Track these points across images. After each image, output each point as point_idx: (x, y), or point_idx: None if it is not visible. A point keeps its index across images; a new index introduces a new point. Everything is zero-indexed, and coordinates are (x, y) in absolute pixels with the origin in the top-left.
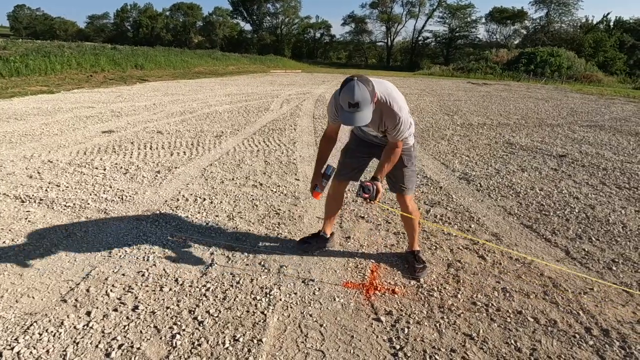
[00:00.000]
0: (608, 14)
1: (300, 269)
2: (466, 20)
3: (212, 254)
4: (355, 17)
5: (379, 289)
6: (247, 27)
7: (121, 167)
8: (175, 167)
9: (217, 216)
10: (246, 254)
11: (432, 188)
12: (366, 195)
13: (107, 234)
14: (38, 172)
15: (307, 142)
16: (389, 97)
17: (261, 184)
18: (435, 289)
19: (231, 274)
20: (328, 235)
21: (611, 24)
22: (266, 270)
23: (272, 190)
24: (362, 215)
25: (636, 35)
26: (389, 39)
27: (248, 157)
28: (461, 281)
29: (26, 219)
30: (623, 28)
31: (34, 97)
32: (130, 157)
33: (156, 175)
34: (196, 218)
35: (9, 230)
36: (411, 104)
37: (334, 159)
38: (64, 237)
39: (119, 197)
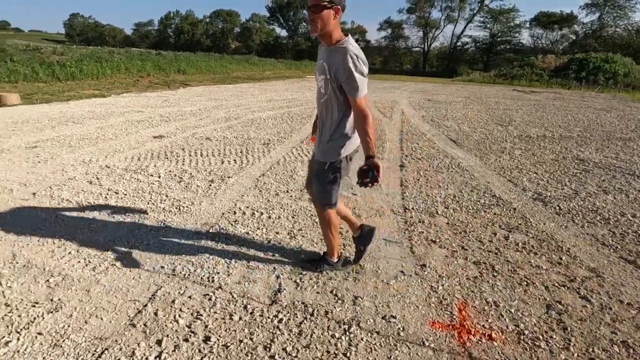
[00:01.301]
0: None
1: (378, 301)
2: (509, 24)
3: (277, 277)
4: (392, 23)
5: (472, 333)
6: (283, 32)
7: (175, 175)
8: (228, 177)
9: (277, 233)
10: (314, 279)
11: (504, 209)
12: (367, 180)
13: (168, 248)
14: (97, 178)
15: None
16: (356, 50)
17: (310, 199)
18: (540, 337)
19: (302, 303)
20: (357, 235)
21: None
22: (340, 302)
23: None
24: (434, 239)
25: None
26: (426, 44)
27: (299, 167)
28: (569, 329)
29: (88, 227)
30: None
31: (87, 100)
32: (183, 165)
33: (210, 185)
34: (256, 235)
35: (73, 239)
36: (458, 113)
37: None
38: (127, 250)
39: (176, 208)
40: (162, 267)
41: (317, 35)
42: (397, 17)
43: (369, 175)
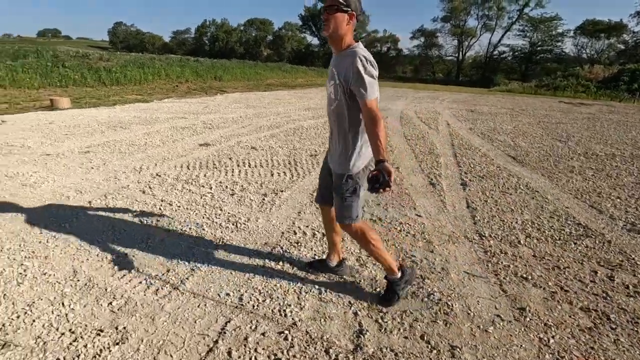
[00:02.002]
0: None
1: (480, 354)
2: (550, 33)
3: (355, 314)
4: (425, 31)
5: None
6: (314, 41)
7: (226, 187)
8: (281, 191)
9: (345, 259)
10: (398, 319)
11: (597, 242)
12: (377, 186)
13: (231, 272)
14: (149, 187)
15: (412, 168)
16: (365, 53)
17: (380, 219)
18: None
19: (391, 350)
20: (332, 263)
21: None
22: (435, 352)
23: (395, 229)
24: (524, 275)
25: None
26: (461, 52)
27: None
28: None
29: (146, 243)
30: None
31: (132, 105)
32: (232, 175)
33: (263, 199)
34: (314, 257)
35: (132, 255)
36: (508, 126)
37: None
38: (189, 272)
39: (232, 224)
40: (228, 294)
41: (327, 36)
42: (430, 26)
43: (379, 180)
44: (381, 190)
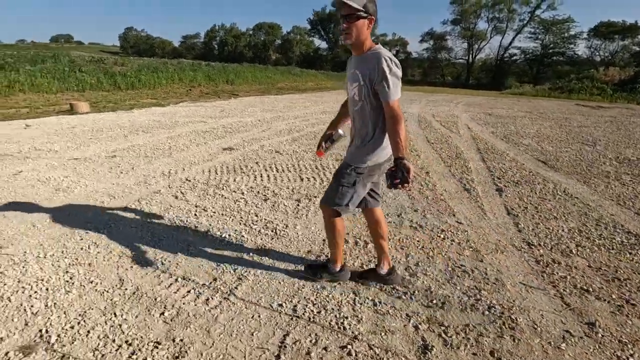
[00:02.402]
0: None
1: None
2: (563, 35)
3: (416, 327)
4: (434, 34)
5: None
6: (322, 44)
7: (258, 192)
8: (314, 196)
9: (394, 267)
10: (462, 333)
11: None
12: (397, 182)
13: (279, 281)
14: (181, 192)
15: (442, 173)
16: (389, 54)
17: (421, 226)
18: None
19: None
20: (384, 272)
21: None
22: None
23: (438, 236)
24: (585, 287)
25: None
26: (471, 55)
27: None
28: None
29: (188, 249)
30: None
31: (149, 109)
32: (262, 180)
33: (297, 205)
34: (363, 266)
35: (176, 263)
36: (530, 129)
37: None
38: (237, 281)
39: (271, 231)
40: (280, 305)
41: (350, 44)
42: (440, 29)
43: (398, 176)
44: (400, 186)
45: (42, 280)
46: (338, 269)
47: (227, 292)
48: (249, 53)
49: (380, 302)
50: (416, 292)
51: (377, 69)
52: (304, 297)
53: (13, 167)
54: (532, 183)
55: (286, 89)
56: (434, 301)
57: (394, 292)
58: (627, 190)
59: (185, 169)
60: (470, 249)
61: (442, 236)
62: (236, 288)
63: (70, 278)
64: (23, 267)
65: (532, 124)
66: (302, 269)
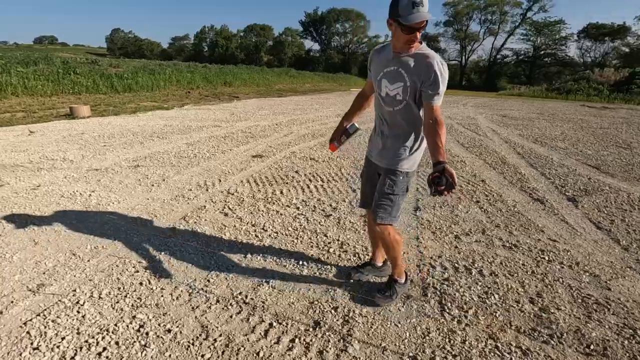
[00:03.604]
0: None
1: None
2: (554, 37)
3: None
4: (427, 35)
5: None
6: (315, 46)
7: (314, 207)
8: None
9: (518, 302)
10: None
11: None
12: (442, 188)
13: (394, 323)
14: (229, 208)
15: (498, 180)
16: (440, 58)
17: (515, 246)
18: None
19: None
20: (378, 264)
21: None
22: None
23: (542, 258)
24: None
25: None
26: (464, 57)
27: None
28: None
29: (265, 281)
30: None
31: (153, 112)
32: (311, 192)
33: (365, 222)
34: (489, 299)
35: (262, 302)
36: (554, 132)
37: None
38: (344, 324)
39: (353, 255)
40: (413, 357)
41: (411, 45)
42: (433, 30)
43: (442, 182)
44: (445, 192)
45: (108, 330)
46: (404, 280)
47: (339, 341)
48: (241, 55)
49: (529, 350)
50: (564, 334)
51: (429, 72)
52: (437, 346)
53: (28, 180)
54: (601, 192)
55: (285, 91)
56: (592, 346)
57: (536, 334)
58: None
59: (221, 180)
60: (587, 273)
61: (546, 258)
62: (349, 334)
63: (141, 326)
64: (78, 311)
65: (553, 126)
66: (375, 300)
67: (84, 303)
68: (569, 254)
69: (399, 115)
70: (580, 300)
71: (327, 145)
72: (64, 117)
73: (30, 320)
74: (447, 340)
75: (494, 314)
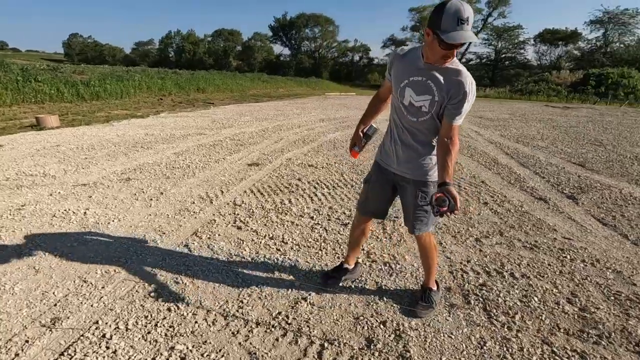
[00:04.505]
0: None
1: None
2: (513, 41)
3: None
4: (396, 40)
5: None
6: (285, 50)
7: (329, 216)
8: (395, 217)
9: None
10: None
11: None
12: (444, 209)
13: (446, 335)
14: (241, 221)
15: (497, 182)
16: (471, 78)
17: (536, 246)
18: None
19: None
20: (351, 267)
21: None
22: None
23: (564, 257)
24: None
25: None
26: None
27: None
28: None
29: (300, 299)
30: None
31: (128, 121)
32: (320, 200)
33: (384, 229)
34: (527, 305)
35: (310, 326)
36: (530, 131)
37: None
38: (397, 339)
39: (384, 264)
40: None
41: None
42: (401, 35)
43: (446, 204)
44: (447, 213)
45: None
46: (437, 288)
47: (398, 359)
48: (209, 60)
49: (585, 353)
50: (612, 333)
51: (459, 89)
52: (497, 356)
53: (9, 199)
54: (594, 189)
55: (260, 96)
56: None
57: (585, 335)
58: None
59: (223, 191)
60: (609, 270)
61: (567, 257)
62: (406, 351)
63: (183, 359)
64: (107, 347)
65: (528, 126)
66: (416, 311)
67: (111, 337)
68: (586, 251)
69: (423, 126)
70: (613, 298)
71: (349, 153)
72: (30, 128)
73: None
74: (505, 349)
75: (540, 317)
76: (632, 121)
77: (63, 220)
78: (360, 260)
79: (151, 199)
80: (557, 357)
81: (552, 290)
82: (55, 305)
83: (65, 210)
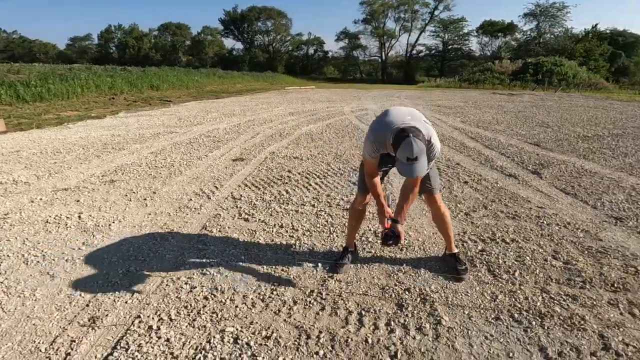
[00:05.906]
0: (596, 25)
1: None
2: (459, 33)
3: None
4: (349, 33)
5: None
6: (237, 45)
7: (329, 202)
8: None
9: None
10: None
11: None
12: (390, 242)
13: (480, 321)
14: (246, 213)
15: (470, 163)
16: (428, 132)
17: (518, 216)
18: None
19: None
20: (353, 249)
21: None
22: None
23: (544, 223)
24: None
25: (614, 44)
26: (383, 53)
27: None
28: None
29: (330, 277)
30: (601, 38)
31: (83, 122)
32: (315, 189)
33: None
34: (522, 263)
35: (325, 297)
36: (485, 117)
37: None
38: (420, 302)
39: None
40: None
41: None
42: (353, 28)
43: (390, 238)
44: (392, 245)
45: (205, 349)
46: (456, 249)
47: (429, 315)
48: (157, 55)
49: (576, 296)
50: (592, 279)
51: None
52: (510, 305)
53: None
54: (552, 164)
55: (219, 92)
56: (615, 285)
57: (572, 283)
58: (631, 159)
59: (217, 186)
60: (579, 230)
61: (544, 222)
62: (434, 309)
63: (236, 339)
64: (157, 336)
65: (482, 112)
66: (460, 277)
67: (158, 327)
68: (558, 216)
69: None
70: (586, 252)
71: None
72: None
73: (112, 354)
74: (513, 299)
75: (534, 272)
76: (568, 104)
77: (59, 226)
78: (371, 239)
79: (145, 199)
80: (555, 301)
81: (538, 250)
82: (87, 305)
83: (56, 215)
